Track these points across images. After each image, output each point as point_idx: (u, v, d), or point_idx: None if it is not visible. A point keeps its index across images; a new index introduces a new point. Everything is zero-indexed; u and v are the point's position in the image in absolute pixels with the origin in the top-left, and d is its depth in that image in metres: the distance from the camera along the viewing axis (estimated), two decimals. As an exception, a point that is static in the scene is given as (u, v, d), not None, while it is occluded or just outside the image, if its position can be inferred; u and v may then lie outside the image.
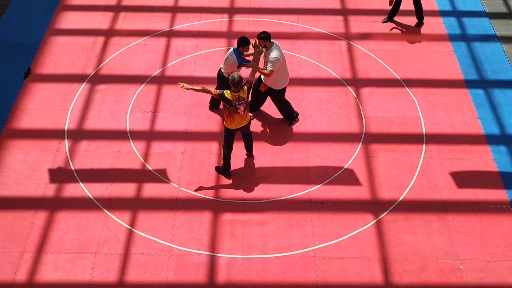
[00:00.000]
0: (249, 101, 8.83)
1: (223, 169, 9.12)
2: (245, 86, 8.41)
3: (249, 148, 9.36)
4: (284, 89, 9.55)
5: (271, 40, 9.14)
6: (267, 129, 9.92)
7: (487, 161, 9.51)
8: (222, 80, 9.47)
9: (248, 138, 9.21)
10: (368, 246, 8.34)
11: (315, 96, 10.49)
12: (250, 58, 9.59)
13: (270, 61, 9.06)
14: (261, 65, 9.54)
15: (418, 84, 10.79)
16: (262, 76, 9.48)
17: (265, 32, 9.04)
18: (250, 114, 9.94)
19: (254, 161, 9.36)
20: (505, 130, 10.01)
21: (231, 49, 9.19)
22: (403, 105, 10.39)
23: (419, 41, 11.74)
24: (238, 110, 8.44)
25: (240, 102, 8.39)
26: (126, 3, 12.44)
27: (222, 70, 9.36)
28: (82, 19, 11.97)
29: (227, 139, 8.84)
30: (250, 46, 9.41)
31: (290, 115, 9.91)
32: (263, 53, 9.20)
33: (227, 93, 8.32)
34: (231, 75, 8.23)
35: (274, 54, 9.05)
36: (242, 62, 9.12)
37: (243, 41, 9.02)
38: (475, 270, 8.10)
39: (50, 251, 8.18)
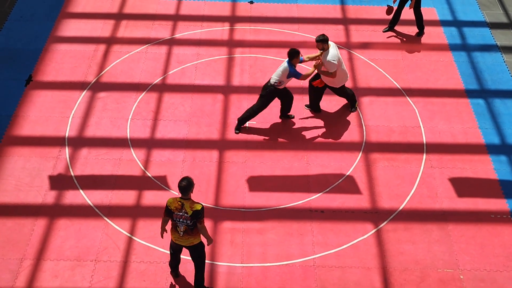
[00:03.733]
0: (191, 227, 7.10)
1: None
2: (199, 205, 7.03)
3: (196, 277, 7.64)
4: (343, 85, 9.99)
5: (329, 42, 9.52)
6: (268, 137, 9.93)
7: (487, 171, 9.51)
8: (272, 93, 9.60)
9: (195, 264, 7.55)
10: (368, 255, 8.33)
11: (316, 105, 10.50)
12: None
13: (327, 64, 9.41)
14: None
15: (418, 93, 10.80)
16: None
17: (323, 35, 9.43)
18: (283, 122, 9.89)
19: (254, 169, 9.35)
20: (505, 140, 10.01)
21: (285, 62, 9.39)
22: (404, 114, 10.40)
23: (420, 50, 11.77)
24: (178, 229, 7.17)
25: (182, 220, 7.05)
26: (128, 11, 12.48)
27: (274, 81, 9.47)
28: (83, 27, 12.00)
29: (170, 245, 7.59)
30: (301, 57, 9.58)
31: (353, 101, 10.35)
32: (321, 54, 9.59)
33: (170, 201, 7.13)
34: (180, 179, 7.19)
35: (329, 56, 9.39)
36: (295, 73, 9.36)
37: (295, 52, 9.29)
38: (475, 280, 8.08)
39: (49, 258, 8.16)
